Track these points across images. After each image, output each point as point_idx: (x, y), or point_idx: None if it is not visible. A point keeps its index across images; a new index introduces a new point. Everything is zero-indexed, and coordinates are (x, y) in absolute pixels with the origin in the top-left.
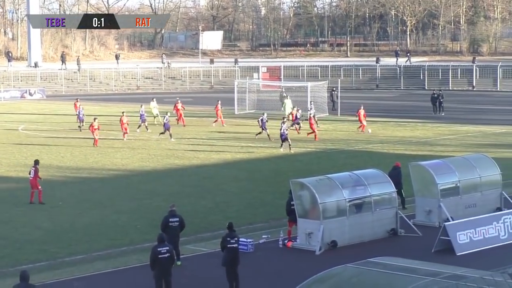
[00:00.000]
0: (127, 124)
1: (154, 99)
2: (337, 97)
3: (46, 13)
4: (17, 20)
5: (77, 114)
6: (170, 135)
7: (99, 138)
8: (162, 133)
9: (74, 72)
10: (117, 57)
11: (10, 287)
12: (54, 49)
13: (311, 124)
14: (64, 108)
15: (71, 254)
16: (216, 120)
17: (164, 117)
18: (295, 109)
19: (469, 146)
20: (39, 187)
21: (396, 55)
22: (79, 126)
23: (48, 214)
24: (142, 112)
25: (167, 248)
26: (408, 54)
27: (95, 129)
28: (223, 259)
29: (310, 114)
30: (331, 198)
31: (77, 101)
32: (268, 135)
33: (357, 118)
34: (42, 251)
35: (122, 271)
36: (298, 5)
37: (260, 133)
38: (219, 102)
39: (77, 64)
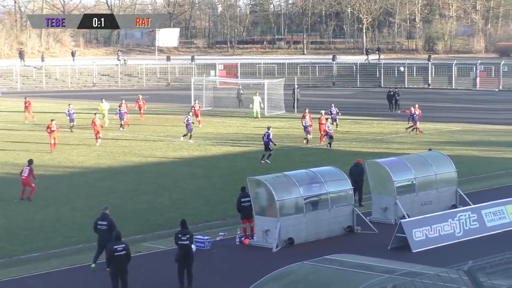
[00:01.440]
0: (101, 127)
1: (103, 100)
2: (299, 95)
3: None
4: None
5: (67, 114)
6: (190, 136)
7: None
8: (185, 135)
9: (39, 68)
10: (73, 54)
11: None
12: (9, 46)
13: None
14: (20, 105)
15: (27, 252)
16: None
17: (186, 118)
18: (332, 106)
19: (424, 143)
20: (33, 185)
21: (367, 52)
22: (71, 127)
23: (3, 211)
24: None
25: (123, 245)
26: (378, 51)
27: (96, 125)
28: (176, 256)
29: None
30: (288, 195)
31: (26, 99)
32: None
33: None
34: None
35: (78, 268)
36: (255, 3)
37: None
38: (197, 102)
39: (42, 61)
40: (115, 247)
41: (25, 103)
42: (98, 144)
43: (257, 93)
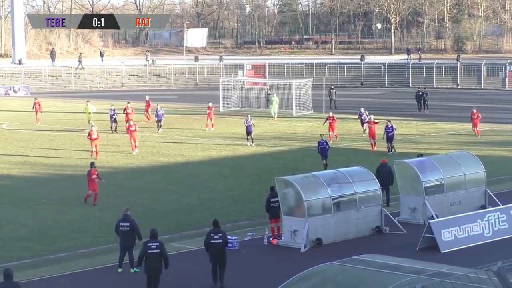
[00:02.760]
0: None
1: (89, 101)
2: (335, 95)
3: (30, 10)
4: (1, 17)
5: (155, 112)
6: (252, 138)
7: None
8: (247, 139)
9: (78, 68)
10: (101, 54)
11: None
12: (38, 46)
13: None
14: (49, 105)
15: (56, 252)
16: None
17: (246, 120)
18: (362, 109)
19: (453, 143)
20: (90, 191)
21: (408, 52)
22: (111, 127)
23: (33, 211)
24: (158, 110)
25: (158, 243)
26: (419, 52)
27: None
28: (209, 255)
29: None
30: (316, 195)
31: (36, 100)
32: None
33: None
34: (27, 248)
35: (107, 268)
36: (283, 3)
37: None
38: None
39: (79, 61)
40: (149, 244)
41: (35, 104)
42: (135, 153)
43: (275, 94)
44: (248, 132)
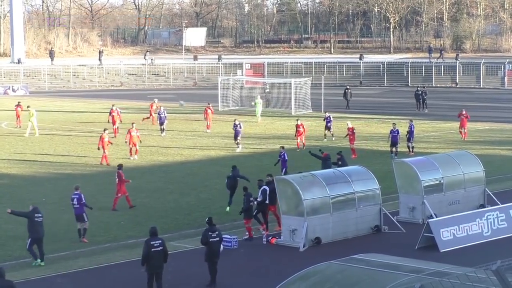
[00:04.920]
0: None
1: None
2: (351, 95)
3: (29, 9)
4: (0, 16)
5: (158, 115)
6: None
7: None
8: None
9: (96, 67)
10: (100, 53)
11: None
12: (37, 46)
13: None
14: (47, 105)
15: (55, 251)
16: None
17: (234, 124)
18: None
19: (452, 143)
20: (118, 193)
21: (429, 51)
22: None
23: None
24: (161, 112)
25: (160, 241)
26: (442, 51)
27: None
28: (206, 255)
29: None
30: (315, 195)
31: (19, 105)
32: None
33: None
34: (25, 247)
35: (105, 268)
36: (282, 2)
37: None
38: (210, 105)
39: (99, 60)
40: (152, 242)
41: (17, 107)
42: (132, 158)
43: (259, 96)
44: (236, 136)
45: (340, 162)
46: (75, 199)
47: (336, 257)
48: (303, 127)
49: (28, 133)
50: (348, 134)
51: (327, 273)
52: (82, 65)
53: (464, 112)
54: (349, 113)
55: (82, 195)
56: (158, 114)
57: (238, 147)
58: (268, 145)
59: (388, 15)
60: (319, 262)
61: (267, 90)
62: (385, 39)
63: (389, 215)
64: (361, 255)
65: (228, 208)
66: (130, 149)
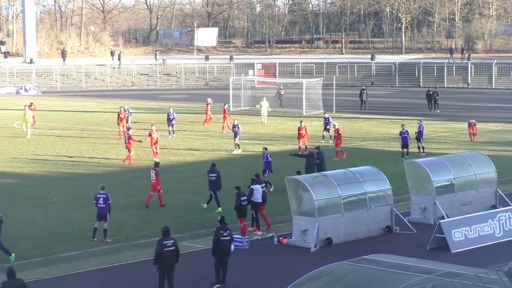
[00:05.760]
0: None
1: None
2: (366, 96)
3: (41, 9)
4: (13, 17)
5: (167, 116)
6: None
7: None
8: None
9: (116, 67)
10: (112, 53)
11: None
12: (49, 46)
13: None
14: (59, 104)
15: (66, 250)
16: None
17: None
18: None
19: (464, 143)
20: (160, 191)
21: (451, 51)
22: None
23: (43, 210)
24: (170, 114)
25: (172, 241)
26: (464, 51)
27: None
28: (218, 252)
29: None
30: (326, 195)
31: (31, 106)
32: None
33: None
34: (38, 247)
35: (117, 267)
36: (293, 2)
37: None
38: (227, 106)
39: (118, 59)
40: (164, 242)
41: (29, 107)
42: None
43: (265, 98)
44: (235, 137)
45: (317, 160)
46: (101, 199)
47: (347, 258)
48: (305, 130)
49: (30, 134)
50: (335, 136)
51: (339, 274)
52: (101, 65)
53: (474, 122)
54: (362, 113)
55: (109, 195)
56: (168, 115)
57: (236, 149)
58: (279, 146)
59: (400, 15)
60: (330, 262)
61: (281, 91)
62: (397, 40)
63: (401, 216)
64: (373, 256)
65: (219, 209)
66: (154, 152)
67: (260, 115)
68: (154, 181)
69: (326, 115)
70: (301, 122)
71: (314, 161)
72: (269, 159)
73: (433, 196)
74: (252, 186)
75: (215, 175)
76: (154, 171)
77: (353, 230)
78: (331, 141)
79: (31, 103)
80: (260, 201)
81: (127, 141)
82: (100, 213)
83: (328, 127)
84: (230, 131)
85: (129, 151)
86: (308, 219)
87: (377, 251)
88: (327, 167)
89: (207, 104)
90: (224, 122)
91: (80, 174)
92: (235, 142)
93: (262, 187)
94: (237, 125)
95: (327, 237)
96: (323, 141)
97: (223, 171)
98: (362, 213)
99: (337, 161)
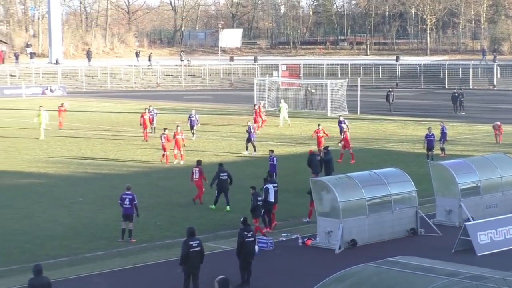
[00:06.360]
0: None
1: (42, 107)
2: (393, 98)
3: (67, 10)
4: (38, 17)
5: (189, 118)
6: (254, 146)
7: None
8: (247, 147)
9: (147, 68)
10: (137, 54)
11: None
12: (75, 46)
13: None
14: (84, 105)
15: (92, 250)
16: (261, 123)
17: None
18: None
19: (489, 145)
20: (203, 188)
21: (483, 53)
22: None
23: (69, 210)
24: (192, 116)
25: (198, 241)
26: (495, 52)
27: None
28: (242, 253)
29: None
30: (351, 197)
31: (62, 106)
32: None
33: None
34: (63, 246)
35: (143, 267)
36: (318, 3)
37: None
38: (261, 104)
39: (149, 60)
40: (191, 242)
41: (60, 107)
42: (176, 162)
43: (283, 100)
44: (249, 140)
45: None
46: (127, 199)
47: (372, 260)
48: (324, 132)
49: (43, 135)
50: (342, 138)
51: (363, 276)
52: (132, 65)
53: (498, 124)
54: (386, 115)
55: (135, 196)
56: (190, 117)
57: (247, 151)
58: (304, 147)
59: (425, 16)
60: (355, 264)
61: (312, 91)
62: (422, 41)
63: (426, 218)
64: (397, 258)
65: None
66: (167, 155)
67: (279, 118)
68: (197, 179)
69: (341, 118)
70: (318, 125)
71: (316, 160)
72: (275, 162)
73: (458, 198)
74: (266, 186)
75: (226, 174)
76: (197, 169)
77: (378, 232)
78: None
79: (62, 104)
80: (273, 200)
81: (162, 141)
82: (126, 213)
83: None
84: (259, 132)
85: (164, 150)
86: (333, 221)
87: (402, 253)
88: (353, 170)
89: (258, 107)
90: (256, 122)
91: (105, 175)
92: (250, 143)
93: (274, 187)
94: (251, 126)
95: (351, 238)
96: (340, 144)
97: (247, 172)
98: (387, 215)
99: (359, 163)
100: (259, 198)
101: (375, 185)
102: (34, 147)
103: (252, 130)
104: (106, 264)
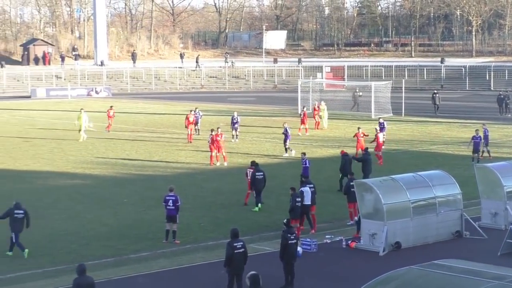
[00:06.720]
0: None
1: (83, 109)
2: (439, 100)
3: (112, 12)
4: (84, 19)
5: (231, 120)
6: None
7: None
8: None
9: (194, 69)
10: (181, 56)
11: None
12: (119, 48)
13: None
14: (129, 106)
15: (136, 251)
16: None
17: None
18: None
19: None
20: (251, 190)
21: None
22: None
23: (114, 210)
24: (234, 118)
25: (242, 243)
26: None
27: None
28: (285, 255)
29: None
30: (395, 199)
31: (111, 109)
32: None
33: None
34: (108, 247)
35: (187, 268)
36: (362, 5)
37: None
38: (317, 103)
39: (196, 62)
40: (235, 244)
41: (109, 110)
42: (220, 164)
43: (323, 102)
44: (285, 141)
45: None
46: (171, 201)
47: (416, 262)
48: (364, 135)
49: (83, 137)
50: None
51: (407, 278)
52: (176, 67)
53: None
54: (431, 117)
55: (178, 197)
56: (232, 119)
57: (291, 152)
58: (347, 149)
59: (470, 18)
60: (399, 267)
61: (360, 93)
62: (467, 43)
63: (471, 221)
64: (442, 261)
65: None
66: (213, 156)
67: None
68: (250, 180)
69: (381, 120)
70: (358, 128)
71: (347, 160)
72: (307, 165)
73: (504, 201)
74: (301, 188)
75: (262, 174)
76: (251, 170)
77: (422, 234)
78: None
79: (111, 106)
80: (309, 203)
81: (210, 142)
82: (169, 214)
83: (383, 132)
84: (306, 134)
85: (211, 150)
86: (377, 223)
87: (447, 256)
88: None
89: (317, 107)
90: (302, 125)
91: (149, 176)
92: (286, 145)
93: (310, 188)
94: (287, 128)
95: (396, 241)
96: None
97: (291, 173)
98: (431, 217)
99: (403, 166)
100: (298, 199)
101: (419, 187)
102: (79, 148)
103: (288, 132)
104: (150, 265)
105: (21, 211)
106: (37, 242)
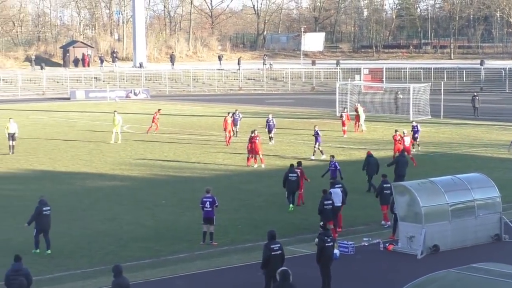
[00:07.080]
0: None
1: (116, 112)
2: (479, 102)
3: (151, 14)
4: (123, 22)
5: (267, 123)
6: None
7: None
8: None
9: (234, 72)
10: (220, 58)
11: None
12: (158, 50)
13: None
14: (168, 108)
15: (174, 253)
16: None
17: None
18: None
19: None
20: (301, 190)
21: None
22: (236, 132)
23: (152, 212)
24: (269, 120)
25: (279, 245)
26: None
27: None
28: (322, 258)
29: None
30: (433, 202)
31: (158, 111)
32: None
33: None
34: (146, 248)
35: (224, 270)
36: (401, 7)
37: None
38: (345, 110)
39: (238, 64)
40: (272, 246)
41: (156, 113)
42: (257, 166)
43: (359, 104)
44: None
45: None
46: (208, 202)
47: (454, 265)
48: (401, 137)
49: (113, 140)
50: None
51: (445, 282)
52: (215, 69)
53: None
54: (470, 119)
55: (215, 198)
56: (267, 121)
57: (322, 154)
58: (386, 152)
59: (511, 20)
60: (437, 270)
61: (400, 96)
62: (507, 45)
63: (510, 224)
64: (481, 264)
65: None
66: (250, 157)
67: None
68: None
69: (414, 123)
70: (396, 131)
71: (374, 161)
72: (338, 167)
73: None
74: (330, 190)
75: (295, 175)
76: (298, 170)
77: (461, 237)
78: (419, 148)
79: (159, 109)
80: (339, 204)
81: (249, 143)
82: (206, 216)
83: (416, 135)
84: (344, 136)
85: (249, 153)
86: (415, 226)
87: (485, 260)
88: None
89: (357, 107)
90: (344, 126)
91: (187, 178)
92: (316, 147)
93: (339, 187)
94: (318, 131)
95: (434, 244)
96: (413, 150)
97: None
98: (470, 220)
99: (442, 168)
100: (327, 202)
101: (458, 190)
102: (117, 150)
103: (319, 134)
104: (187, 266)
105: (48, 207)
106: (76, 243)
